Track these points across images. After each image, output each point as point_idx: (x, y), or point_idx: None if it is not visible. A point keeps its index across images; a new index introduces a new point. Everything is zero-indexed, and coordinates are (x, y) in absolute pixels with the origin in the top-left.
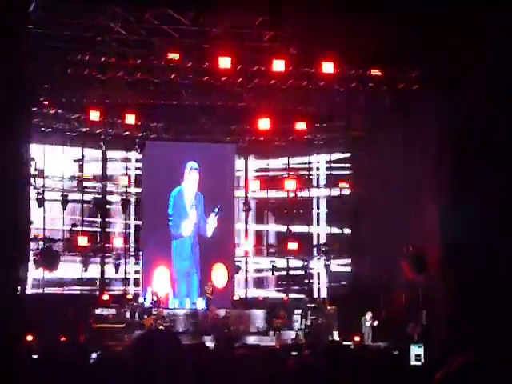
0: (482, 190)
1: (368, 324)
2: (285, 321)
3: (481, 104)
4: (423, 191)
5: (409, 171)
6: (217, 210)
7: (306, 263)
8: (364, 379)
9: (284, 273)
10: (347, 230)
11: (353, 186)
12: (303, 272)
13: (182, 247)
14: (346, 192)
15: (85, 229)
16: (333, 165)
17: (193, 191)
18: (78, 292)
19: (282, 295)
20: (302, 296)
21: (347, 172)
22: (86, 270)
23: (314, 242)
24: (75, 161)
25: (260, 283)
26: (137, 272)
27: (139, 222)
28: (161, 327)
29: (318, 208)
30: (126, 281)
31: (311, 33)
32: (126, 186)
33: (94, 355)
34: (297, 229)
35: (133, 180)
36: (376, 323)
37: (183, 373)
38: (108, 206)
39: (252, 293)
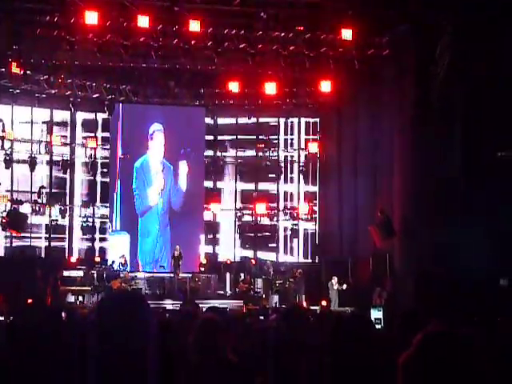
0: (443, 160)
1: (335, 288)
2: (251, 285)
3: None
4: (390, 160)
5: (376, 138)
6: (183, 152)
7: (274, 223)
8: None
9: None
10: (313, 189)
11: (321, 149)
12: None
13: (149, 225)
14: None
15: (53, 191)
16: (302, 129)
17: (158, 158)
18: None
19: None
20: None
21: (316, 137)
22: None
23: (282, 203)
24: (44, 122)
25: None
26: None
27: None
28: (128, 290)
29: (288, 169)
30: (93, 243)
31: None
32: (94, 148)
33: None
34: (266, 187)
35: (100, 142)
36: (345, 287)
37: (148, 334)
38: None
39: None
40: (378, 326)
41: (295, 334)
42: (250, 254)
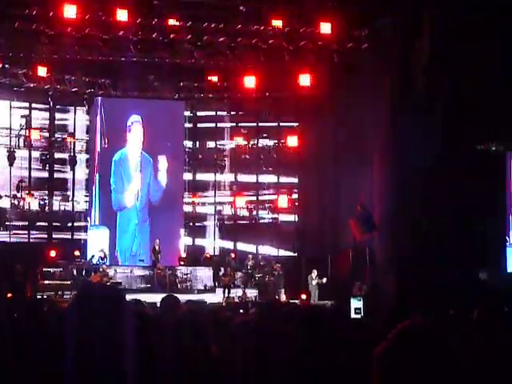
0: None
1: (314, 282)
2: (231, 278)
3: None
4: (370, 152)
5: (355, 130)
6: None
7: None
8: (300, 335)
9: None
10: (293, 180)
11: (300, 142)
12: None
13: (129, 219)
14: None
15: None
16: (281, 123)
17: (137, 151)
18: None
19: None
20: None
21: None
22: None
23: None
24: (22, 116)
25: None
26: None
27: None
28: (108, 284)
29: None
30: (72, 238)
31: None
32: (74, 143)
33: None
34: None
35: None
36: (325, 280)
37: (125, 327)
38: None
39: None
40: (357, 316)
41: (273, 327)
42: (230, 245)
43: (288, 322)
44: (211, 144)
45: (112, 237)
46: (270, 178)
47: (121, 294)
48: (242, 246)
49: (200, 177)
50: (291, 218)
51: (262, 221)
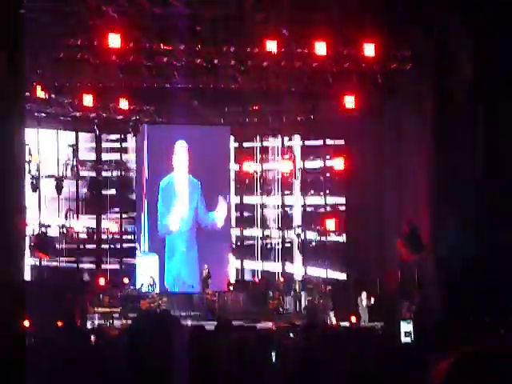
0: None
1: (364, 304)
2: (280, 302)
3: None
4: (414, 170)
5: (400, 150)
6: (227, 196)
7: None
8: (354, 359)
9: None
10: (341, 201)
11: (347, 163)
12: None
13: (177, 245)
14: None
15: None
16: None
17: (184, 175)
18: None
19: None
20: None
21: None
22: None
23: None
24: (69, 145)
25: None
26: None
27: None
28: (157, 311)
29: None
30: (122, 266)
31: (302, 13)
32: (121, 170)
33: (92, 338)
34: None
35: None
36: (373, 301)
37: (180, 353)
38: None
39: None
40: (407, 339)
41: (320, 351)
42: (278, 267)
43: (336, 347)
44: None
45: (161, 263)
46: (317, 200)
47: (174, 320)
48: (290, 268)
49: (247, 200)
50: (340, 238)
51: (310, 242)
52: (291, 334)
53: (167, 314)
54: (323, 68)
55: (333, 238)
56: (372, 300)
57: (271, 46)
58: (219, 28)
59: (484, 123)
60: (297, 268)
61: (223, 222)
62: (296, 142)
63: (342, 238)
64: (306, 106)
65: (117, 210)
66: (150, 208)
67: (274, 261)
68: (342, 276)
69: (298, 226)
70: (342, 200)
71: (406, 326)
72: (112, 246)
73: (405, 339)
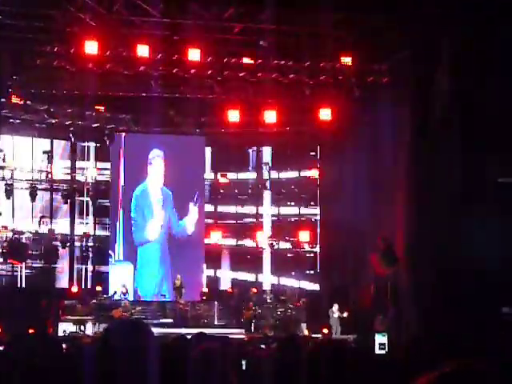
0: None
1: (336, 316)
2: (254, 313)
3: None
4: (391, 184)
5: (376, 164)
6: (195, 197)
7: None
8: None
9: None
10: (314, 211)
11: (321, 175)
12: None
13: (149, 254)
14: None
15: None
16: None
17: (158, 185)
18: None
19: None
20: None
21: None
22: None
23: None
24: (44, 152)
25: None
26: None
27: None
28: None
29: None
30: (95, 273)
31: (282, 26)
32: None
33: (63, 347)
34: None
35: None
36: (346, 314)
37: (151, 362)
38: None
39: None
40: (382, 352)
41: (293, 363)
42: (250, 277)
43: (310, 360)
44: (232, 176)
45: (134, 271)
46: (291, 210)
47: (147, 329)
48: (262, 278)
49: (221, 209)
50: (313, 249)
51: (283, 252)
52: (263, 346)
53: (140, 322)
54: (300, 80)
55: (306, 248)
56: (345, 314)
57: (248, 57)
58: (196, 37)
59: (462, 137)
60: (267, 278)
61: (193, 227)
62: (267, 152)
63: (316, 249)
64: (282, 118)
65: (90, 217)
66: (124, 216)
67: (247, 271)
68: (315, 287)
69: (270, 237)
70: (316, 211)
71: (381, 339)
72: (85, 254)
73: (379, 351)
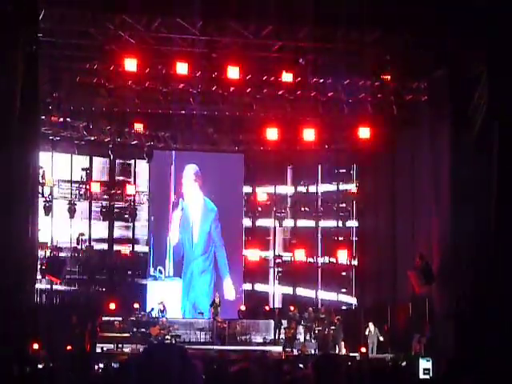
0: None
1: (372, 334)
2: (294, 331)
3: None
4: (428, 203)
5: (414, 181)
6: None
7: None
8: None
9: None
10: (352, 223)
11: (359, 193)
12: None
13: (188, 271)
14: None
15: (93, 237)
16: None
17: (198, 201)
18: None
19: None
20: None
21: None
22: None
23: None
24: (83, 169)
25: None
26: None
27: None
28: (167, 337)
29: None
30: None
31: (321, 43)
32: (133, 195)
33: (101, 365)
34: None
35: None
36: (382, 339)
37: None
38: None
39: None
40: (426, 377)
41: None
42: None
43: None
44: (270, 190)
45: (173, 288)
46: (329, 224)
47: (184, 353)
48: (301, 292)
49: (260, 223)
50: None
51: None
52: (301, 365)
53: (178, 347)
54: (338, 98)
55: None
56: (381, 338)
57: (287, 75)
58: (235, 55)
59: (499, 153)
60: (305, 292)
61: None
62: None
63: (354, 262)
64: (321, 136)
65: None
66: (161, 231)
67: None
68: (352, 300)
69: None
70: (355, 224)
71: (425, 364)
72: (123, 270)
73: (423, 376)
